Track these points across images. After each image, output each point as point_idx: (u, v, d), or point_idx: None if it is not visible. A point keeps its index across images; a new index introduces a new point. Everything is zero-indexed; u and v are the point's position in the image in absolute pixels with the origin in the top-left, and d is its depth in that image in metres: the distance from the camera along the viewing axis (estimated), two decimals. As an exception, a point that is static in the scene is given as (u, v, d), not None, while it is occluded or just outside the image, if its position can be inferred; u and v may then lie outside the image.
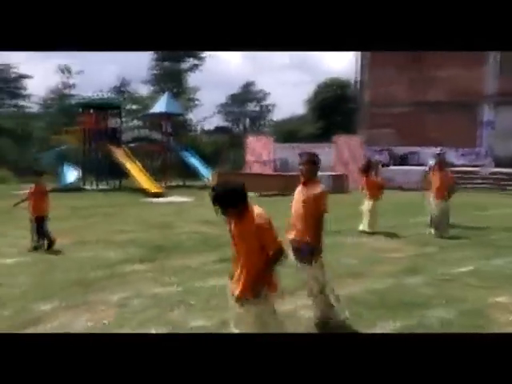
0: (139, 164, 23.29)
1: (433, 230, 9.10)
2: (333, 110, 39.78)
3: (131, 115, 42.38)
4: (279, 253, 3.14)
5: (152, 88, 48.71)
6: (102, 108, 25.47)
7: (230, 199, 3.08)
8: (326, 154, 25.47)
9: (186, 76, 49.25)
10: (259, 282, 3.14)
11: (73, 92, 43.41)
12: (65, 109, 38.00)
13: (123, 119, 31.46)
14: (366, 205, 9.56)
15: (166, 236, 9.10)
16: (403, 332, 4.07)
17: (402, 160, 26.31)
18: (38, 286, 5.52)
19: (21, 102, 47.01)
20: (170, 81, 46.56)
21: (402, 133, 26.59)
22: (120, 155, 23.20)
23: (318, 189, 4.22)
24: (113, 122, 25.91)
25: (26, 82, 46.43)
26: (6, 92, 45.18)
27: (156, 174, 24.35)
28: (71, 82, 45.44)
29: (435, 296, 5.19)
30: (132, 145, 25.92)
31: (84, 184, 24.27)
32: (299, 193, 4.37)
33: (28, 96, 46.45)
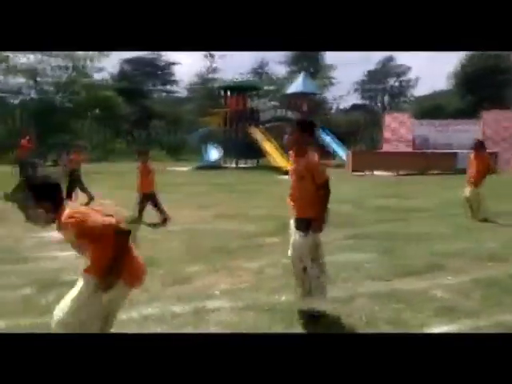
0: (276, 143, 24.05)
1: None
2: (483, 82, 36.43)
3: (269, 96, 43.66)
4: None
5: (288, 68, 49.50)
6: (242, 90, 26.69)
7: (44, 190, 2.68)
8: (474, 131, 23.63)
9: (323, 54, 48.99)
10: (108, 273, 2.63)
11: (216, 76, 46.18)
12: (209, 92, 40.63)
13: (261, 100, 32.61)
14: (468, 191, 8.61)
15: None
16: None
17: None
18: (186, 252, 6.19)
19: (171, 88, 51.37)
20: (306, 60, 46.76)
21: None
22: (258, 135, 24.19)
23: (311, 159, 3.76)
24: (252, 104, 27.07)
25: (176, 69, 50.56)
26: (159, 78, 49.67)
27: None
28: (214, 66, 48.36)
29: None
30: (269, 124, 26.80)
31: (225, 162, 25.84)
32: (292, 168, 3.96)
33: (177, 81, 50.55)
